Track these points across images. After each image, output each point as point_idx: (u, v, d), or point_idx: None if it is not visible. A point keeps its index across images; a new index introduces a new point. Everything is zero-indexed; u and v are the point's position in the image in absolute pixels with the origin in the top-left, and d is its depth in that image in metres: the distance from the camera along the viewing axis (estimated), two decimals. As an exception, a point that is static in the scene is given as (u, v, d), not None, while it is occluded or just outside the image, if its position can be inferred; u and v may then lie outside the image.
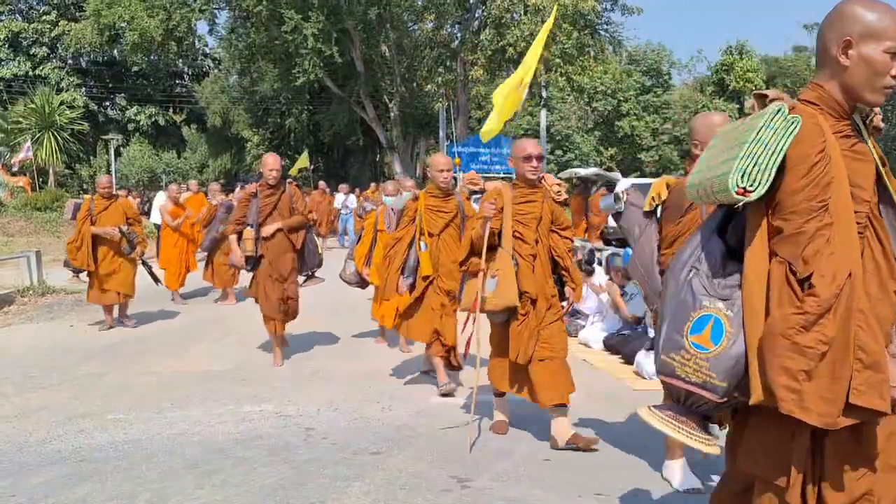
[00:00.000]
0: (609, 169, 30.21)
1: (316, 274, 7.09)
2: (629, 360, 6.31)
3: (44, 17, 35.73)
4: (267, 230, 6.45)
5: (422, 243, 5.51)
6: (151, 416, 5.03)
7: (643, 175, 33.15)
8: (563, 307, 4.57)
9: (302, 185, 27.06)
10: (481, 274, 4.35)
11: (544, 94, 25.28)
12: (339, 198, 19.49)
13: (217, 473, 3.90)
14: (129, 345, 7.63)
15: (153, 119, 39.17)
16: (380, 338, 7.66)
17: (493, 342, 4.54)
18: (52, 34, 35.08)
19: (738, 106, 37.13)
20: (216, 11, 24.25)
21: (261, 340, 7.78)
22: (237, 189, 17.16)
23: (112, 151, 32.73)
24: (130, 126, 39.45)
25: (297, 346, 7.45)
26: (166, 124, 40.18)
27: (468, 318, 4.60)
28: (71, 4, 35.22)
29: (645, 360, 6.09)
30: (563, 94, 33.61)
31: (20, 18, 36.84)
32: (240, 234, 6.48)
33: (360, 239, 7.49)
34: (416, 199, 5.63)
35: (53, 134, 29.41)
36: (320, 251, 7.06)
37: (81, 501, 3.57)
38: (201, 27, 43.98)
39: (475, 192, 6.02)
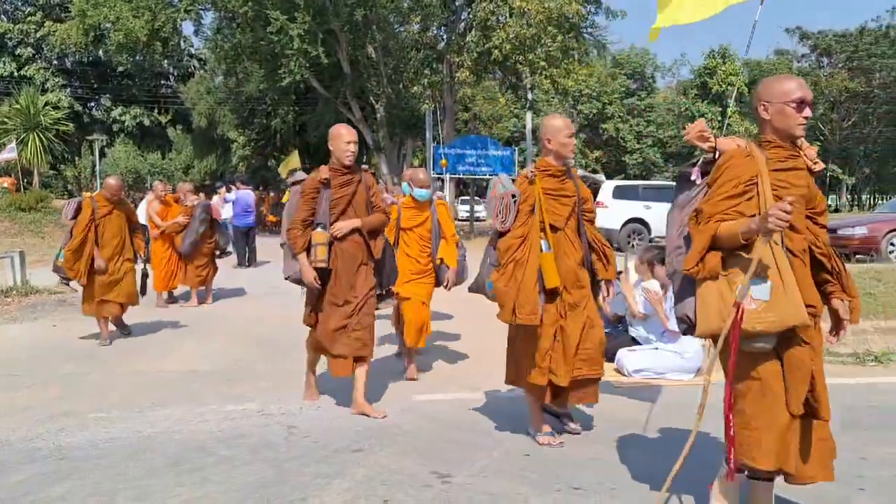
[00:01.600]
0: (594, 171, 30.44)
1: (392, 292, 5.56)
2: (610, 357, 6.36)
3: (29, 18, 35.52)
4: (341, 227, 4.86)
5: (543, 242, 4.21)
6: (133, 415, 5.03)
7: (627, 177, 33.39)
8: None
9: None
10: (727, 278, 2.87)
11: (530, 96, 25.39)
12: None
13: (198, 471, 3.91)
14: (113, 345, 7.60)
15: (138, 120, 39.00)
16: (412, 367, 6.19)
17: (756, 389, 2.91)
18: (38, 35, 34.86)
19: (720, 109, 37.41)
20: (202, 12, 24.18)
21: (245, 340, 7.80)
22: (222, 189, 16.97)
23: (97, 152, 32.58)
24: (115, 127, 39.26)
25: (280, 345, 7.46)
26: (151, 125, 40.02)
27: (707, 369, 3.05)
28: (56, 5, 35.01)
29: (625, 357, 6.15)
30: (549, 97, 33.78)
31: (5, 19, 36.60)
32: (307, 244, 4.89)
33: None
34: (531, 181, 4.28)
35: (38, 134, 29.26)
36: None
37: (61, 499, 3.57)
38: (187, 28, 43.89)
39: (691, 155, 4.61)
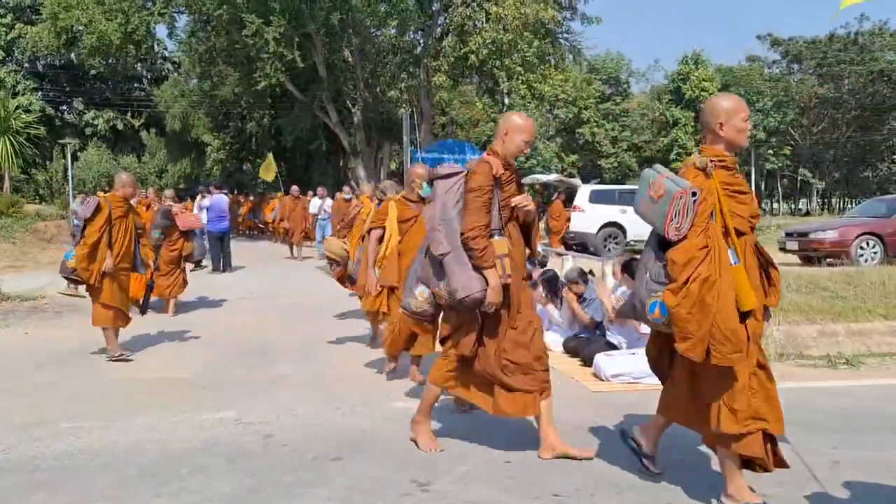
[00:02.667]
0: (570, 175, 30.60)
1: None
2: (588, 362, 6.41)
3: (-1, 20, 35.00)
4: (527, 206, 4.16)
5: (729, 252, 3.34)
6: (108, 423, 4.96)
7: (603, 181, 33.64)
8: None
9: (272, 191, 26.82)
10: None
11: (506, 100, 25.48)
12: (315, 203, 18.48)
13: (174, 481, 3.87)
14: (86, 353, 7.49)
15: (111, 123, 38.59)
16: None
17: None
18: (8, 37, 34.36)
19: (693, 114, 37.82)
20: (175, 15, 23.97)
21: (220, 347, 7.73)
22: (199, 196, 16.75)
23: (69, 156, 32.09)
24: (88, 130, 38.80)
25: (258, 351, 7.41)
26: (124, 128, 39.60)
27: None
28: (27, 7, 34.54)
29: (603, 362, 6.18)
30: (525, 101, 33.96)
31: (-26, 21, 35.99)
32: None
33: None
34: (709, 173, 3.39)
35: (9, 138, 28.75)
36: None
37: (34, 511, 3.52)
38: (160, 31, 43.44)
39: None
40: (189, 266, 10.51)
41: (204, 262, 11.17)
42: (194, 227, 10.51)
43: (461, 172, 4.10)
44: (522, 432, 4.74)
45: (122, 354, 7.10)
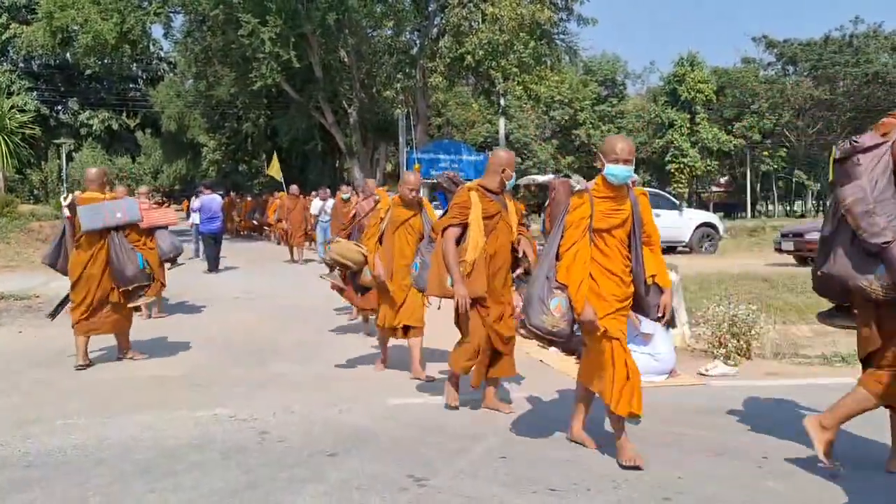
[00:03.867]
0: (567, 176, 30.73)
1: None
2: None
3: (-6, 20, 34.89)
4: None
5: None
6: (102, 421, 4.94)
7: (600, 182, 33.70)
8: None
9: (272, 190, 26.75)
10: None
11: (502, 102, 25.50)
12: (316, 204, 17.50)
13: (168, 477, 3.85)
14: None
15: (106, 124, 38.44)
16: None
17: None
18: (3, 37, 34.26)
19: (689, 115, 37.92)
20: (171, 15, 23.90)
21: (216, 346, 7.71)
22: (200, 194, 16.58)
23: (64, 156, 32.04)
24: (83, 130, 38.67)
25: (253, 350, 7.39)
26: (120, 129, 39.47)
27: None
28: (22, 7, 34.43)
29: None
30: (521, 103, 33.99)
31: (-31, 21, 35.90)
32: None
33: (559, 256, 4.10)
34: None
35: (3, 138, 28.68)
36: None
37: (28, 507, 3.50)
38: (156, 30, 43.36)
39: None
40: (167, 266, 10.02)
41: (180, 260, 10.54)
42: (159, 224, 9.87)
43: (887, 142, 3.48)
44: (518, 428, 4.73)
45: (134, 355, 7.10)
